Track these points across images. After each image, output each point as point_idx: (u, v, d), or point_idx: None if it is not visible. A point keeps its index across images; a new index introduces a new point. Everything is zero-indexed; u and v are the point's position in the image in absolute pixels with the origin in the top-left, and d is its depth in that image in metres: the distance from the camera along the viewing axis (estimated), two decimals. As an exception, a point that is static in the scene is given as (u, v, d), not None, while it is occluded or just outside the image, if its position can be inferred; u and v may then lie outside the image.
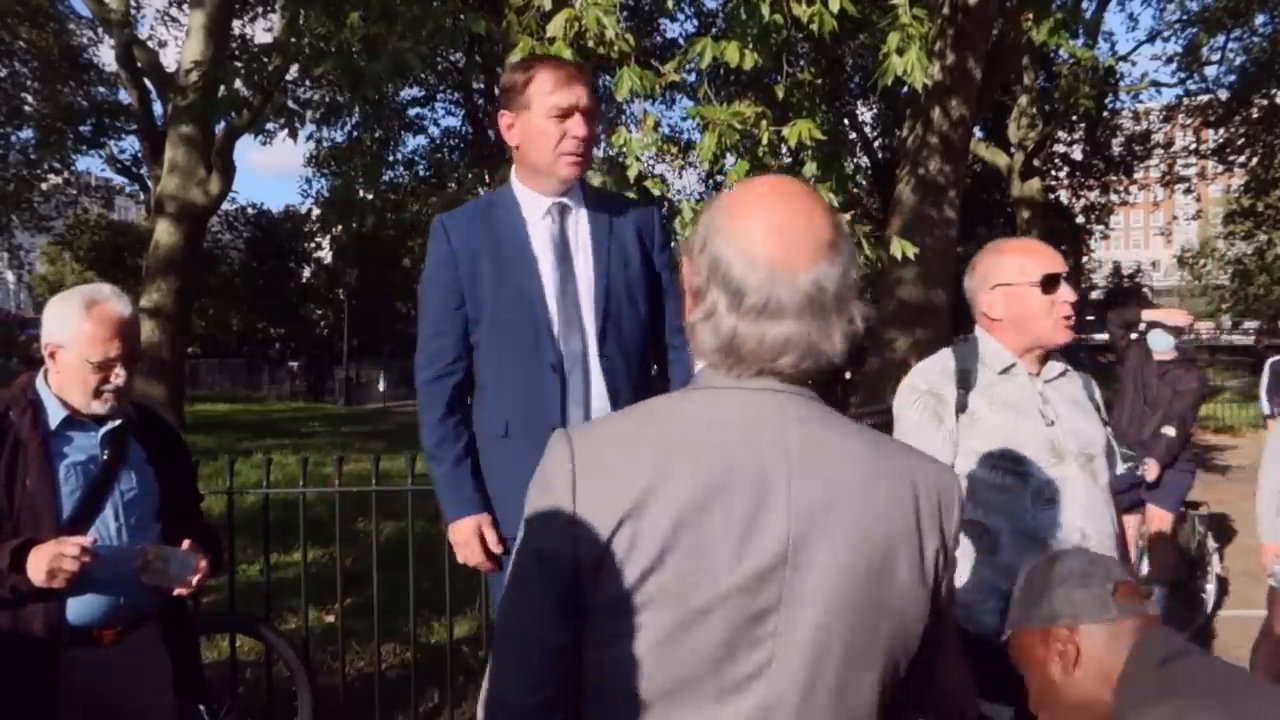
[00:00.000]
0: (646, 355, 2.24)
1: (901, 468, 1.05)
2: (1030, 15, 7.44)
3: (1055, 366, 2.15)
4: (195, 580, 2.12)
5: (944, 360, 2.16)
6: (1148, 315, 5.49)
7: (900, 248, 5.50)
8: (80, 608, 2.04)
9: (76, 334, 2.07)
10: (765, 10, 4.67)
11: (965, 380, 2.09)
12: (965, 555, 2.07)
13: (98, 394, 2.09)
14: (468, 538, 2.11)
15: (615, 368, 2.12)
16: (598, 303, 2.11)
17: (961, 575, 2.08)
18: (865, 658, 1.01)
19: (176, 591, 2.14)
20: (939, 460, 1.14)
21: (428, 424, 2.16)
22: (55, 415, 2.09)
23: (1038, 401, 2.07)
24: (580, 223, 2.16)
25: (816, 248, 1.00)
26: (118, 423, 2.15)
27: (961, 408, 2.08)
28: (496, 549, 2.12)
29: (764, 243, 1.00)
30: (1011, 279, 2.09)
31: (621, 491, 0.99)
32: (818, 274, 0.99)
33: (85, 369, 2.07)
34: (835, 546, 0.99)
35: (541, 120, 2.05)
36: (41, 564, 1.90)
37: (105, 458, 2.12)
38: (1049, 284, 2.04)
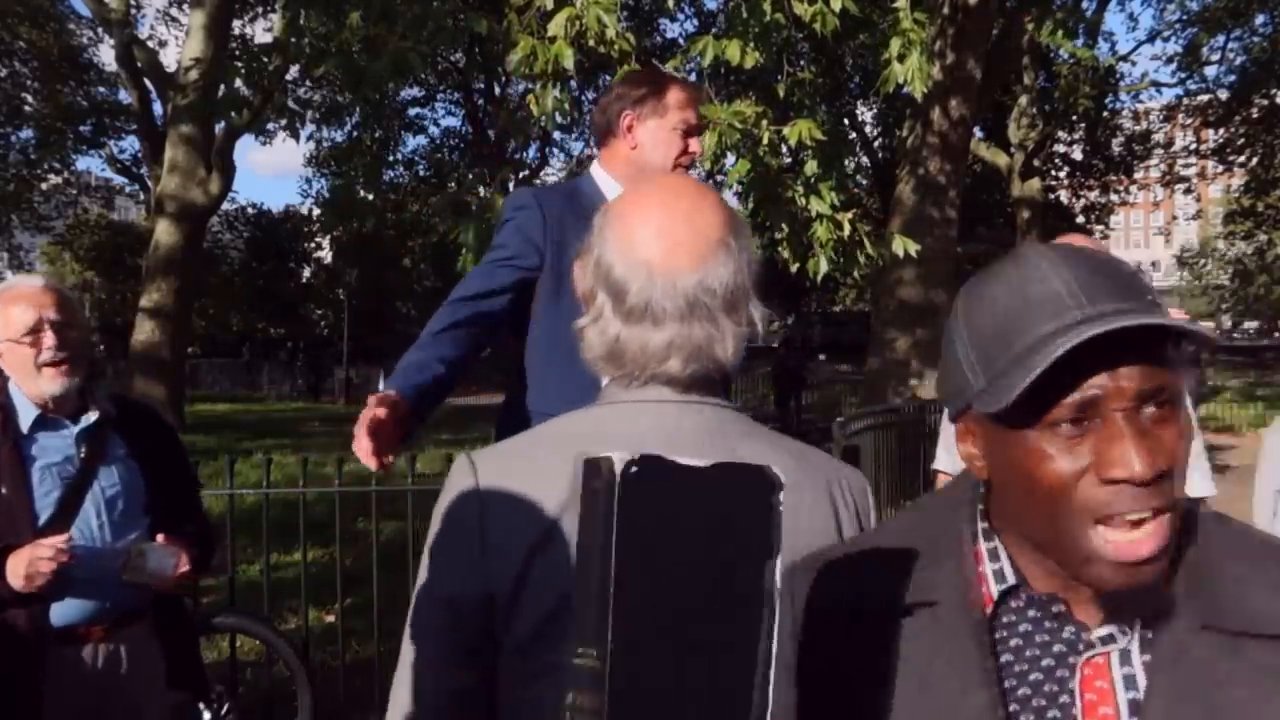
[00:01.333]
0: None
1: (820, 477, 1.04)
2: (1032, 15, 7.46)
3: None
4: (177, 576, 2.10)
5: None
6: None
7: (902, 245, 5.50)
8: (66, 607, 2.03)
9: (1, 323, 2.08)
10: (767, 9, 4.68)
11: None
12: None
13: (40, 371, 2.06)
14: (369, 406, 1.82)
15: None
16: None
17: None
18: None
19: (179, 583, 2.13)
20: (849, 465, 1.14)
21: (421, 337, 1.99)
22: (27, 417, 2.07)
23: None
24: None
25: (701, 249, 0.96)
26: (93, 419, 2.13)
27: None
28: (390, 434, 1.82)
29: (645, 246, 0.97)
30: None
31: (530, 521, 0.94)
32: (702, 276, 0.96)
33: (17, 351, 2.06)
34: None
35: (668, 131, 2.20)
36: (19, 568, 1.89)
37: (83, 455, 2.09)
38: None
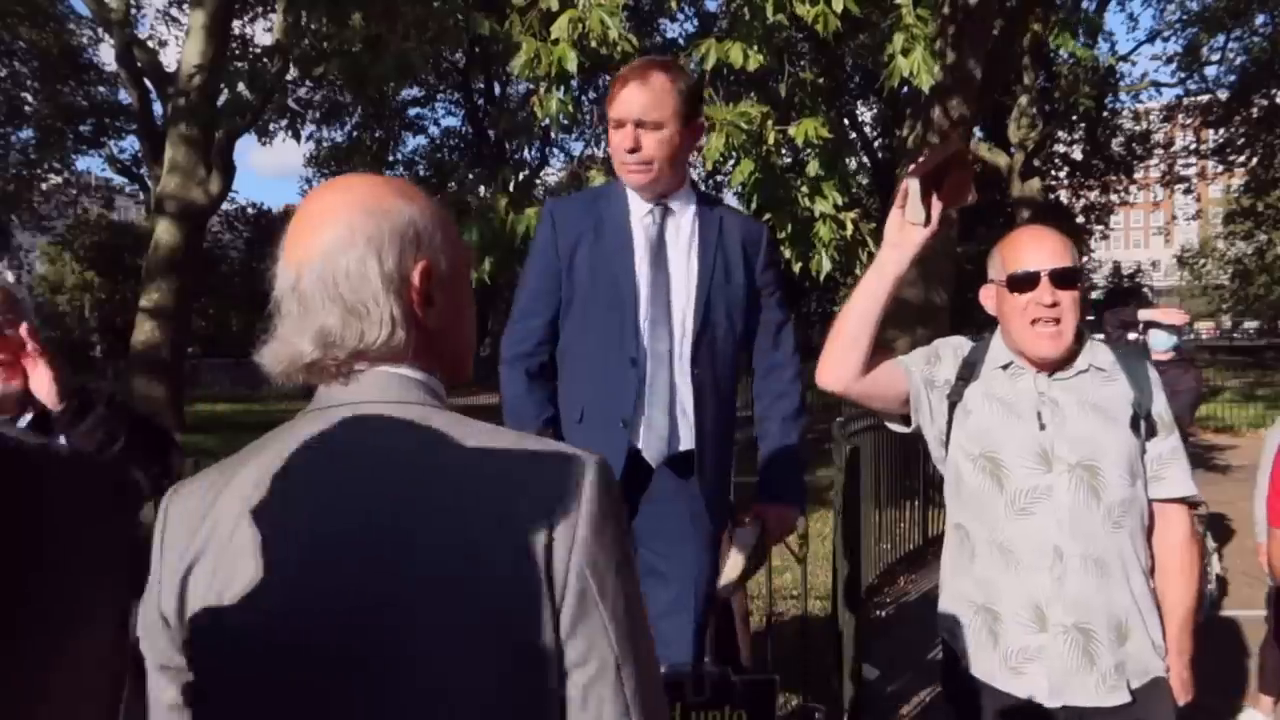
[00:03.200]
0: (735, 369, 2.23)
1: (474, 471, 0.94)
2: (1038, 16, 7.49)
3: (1080, 363, 1.92)
4: None
5: (960, 344, 2.06)
6: (1144, 315, 5.50)
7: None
8: None
9: None
10: (769, 10, 4.68)
11: (970, 372, 1.98)
12: (949, 561, 2.03)
13: None
14: None
15: (704, 378, 2.11)
16: (697, 309, 2.11)
17: (944, 583, 2.04)
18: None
19: None
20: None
21: (508, 400, 2.15)
22: None
23: (1036, 402, 1.89)
24: (682, 228, 2.16)
25: (308, 240, 0.96)
26: (29, 417, 2.02)
27: (954, 402, 1.98)
28: None
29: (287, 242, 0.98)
30: (993, 275, 1.98)
31: (184, 546, 0.93)
32: (323, 263, 0.94)
33: None
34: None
35: (612, 132, 2.11)
36: None
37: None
38: (1018, 284, 1.88)
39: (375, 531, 0.88)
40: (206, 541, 0.92)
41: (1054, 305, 1.85)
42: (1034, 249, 1.90)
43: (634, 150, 2.05)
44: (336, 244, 0.94)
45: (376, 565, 0.87)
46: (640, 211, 2.15)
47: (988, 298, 2.00)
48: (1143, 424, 1.90)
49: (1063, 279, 1.86)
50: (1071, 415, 1.87)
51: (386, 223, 0.95)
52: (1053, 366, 1.92)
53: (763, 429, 2.26)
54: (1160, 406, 1.93)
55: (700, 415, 2.10)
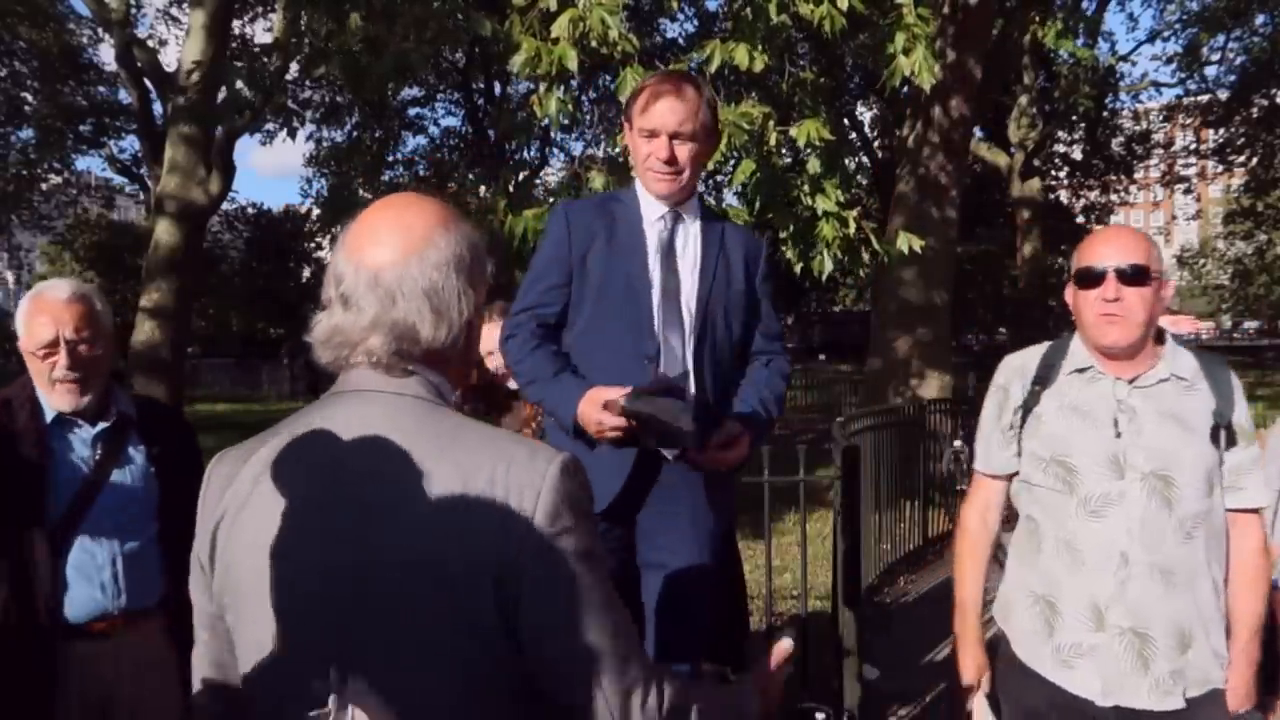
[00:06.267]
0: (734, 371, 2.29)
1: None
2: (1036, 16, 7.49)
3: (1160, 371, 1.91)
4: None
5: (1027, 356, 2.08)
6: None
7: (906, 241, 5.51)
8: (78, 602, 2.05)
9: (21, 326, 2.08)
10: (773, 11, 4.68)
11: (1044, 379, 2.00)
12: (1015, 547, 2.07)
13: (53, 386, 2.07)
14: (591, 412, 1.98)
15: (705, 375, 2.18)
16: (698, 310, 2.18)
17: (1009, 568, 2.08)
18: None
19: None
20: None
21: (516, 361, 2.19)
22: (48, 414, 2.09)
23: (1113, 409, 1.89)
24: (691, 235, 2.24)
25: (402, 243, 1.09)
26: (109, 422, 2.15)
27: (1028, 407, 2.00)
28: (619, 402, 1.94)
29: (354, 244, 1.11)
30: (1074, 275, 1.99)
31: (215, 504, 1.12)
32: (405, 266, 1.08)
33: (34, 362, 2.07)
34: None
35: (636, 138, 2.20)
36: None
37: (98, 457, 2.11)
38: (1085, 280, 1.91)
39: (349, 506, 1.03)
40: (230, 502, 1.10)
41: (1117, 300, 1.86)
42: (1103, 246, 1.92)
43: (670, 161, 2.14)
44: (432, 253, 1.09)
45: (347, 536, 1.01)
46: (653, 216, 2.23)
47: (1069, 295, 2.01)
48: (1223, 434, 1.88)
49: (1129, 276, 1.86)
50: (1149, 425, 1.87)
51: (465, 243, 1.12)
52: (1131, 371, 1.91)
53: (742, 394, 2.27)
54: (1241, 416, 1.92)
55: (703, 416, 2.11)
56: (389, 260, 1.07)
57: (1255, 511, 1.91)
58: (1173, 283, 1.98)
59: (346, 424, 1.07)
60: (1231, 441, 1.89)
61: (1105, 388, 1.92)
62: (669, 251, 2.20)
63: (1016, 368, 2.07)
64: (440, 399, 1.11)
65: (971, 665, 2.09)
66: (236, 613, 1.09)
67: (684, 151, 2.16)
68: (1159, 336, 1.95)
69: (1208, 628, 1.85)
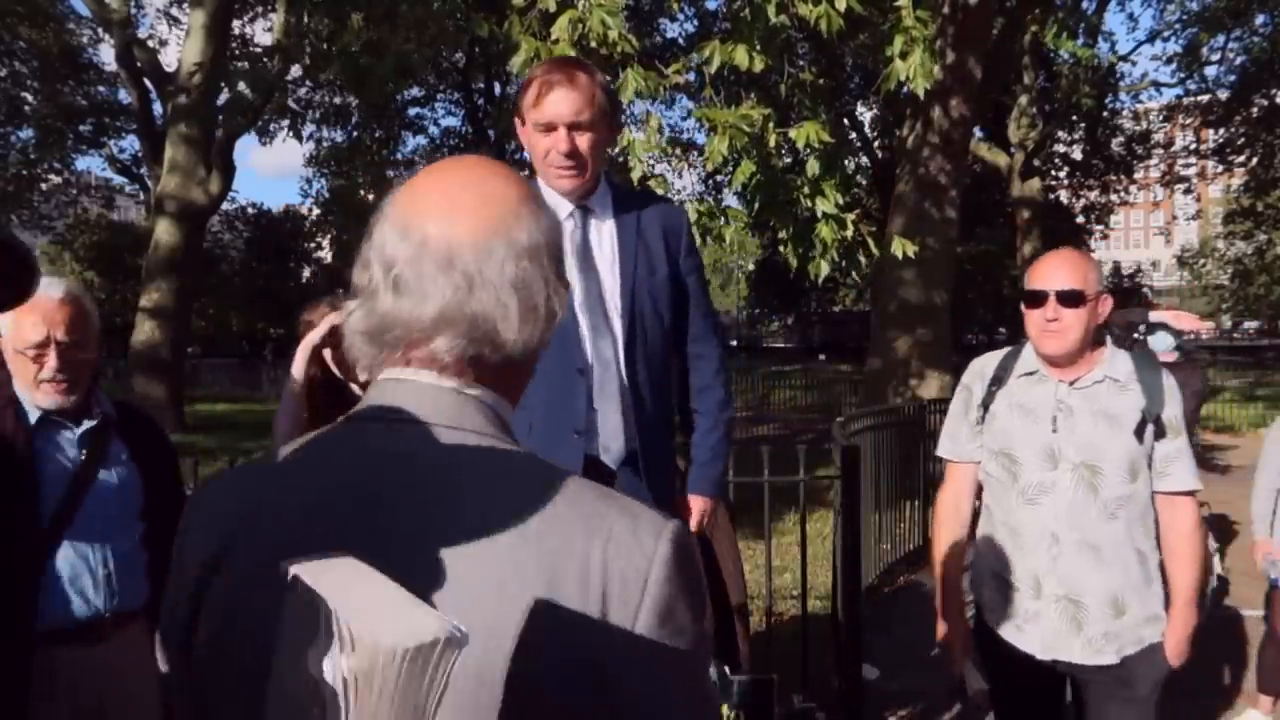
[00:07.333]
0: (669, 361, 2.22)
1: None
2: (1035, 16, 7.49)
3: (1096, 374, 2.16)
4: None
5: (987, 360, 2.36)
6: (1155, 316, 5.50)
7: (900, 247, 5.51)
8: (60, 608, 2.02)
9: (9, 323, 2.03)
10: (771, 12, 4.68)
11: (1000, 380, 2.28)
12: (979, 532, 2.36)
13: (38, 386, 2.04)
14: None
15: (641, 377, 2.11)
16: (624, 309, 2.10)
17: (977, 550, 2.35)
18: None
19: None
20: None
21: None
22: (32, 415, 2.06)
23: (1054, 407, 2.17)
24: (605, 226, 2.15)
25: (483, 220, 0.82)
26: (95, 422, 2.13)
27: (986, 405, 2.28)
28: None
29: (415, 213, 0.83)
30: (1024, 295, 2.26)
31: (204, 541, 0.83)
32: (484, 248, 0.82)
33: (20, 361, 2.03)
34: None
35: (530, 133, 2.06)
36: None
37: (84, 457, 2.10)
38: (1031, 300, 2.18)
39: (358, 520, 0.77)
40: (225, 551, 0.83)
41: (1055, 320, 2.13)
42: (1047, 270, 2.17)
43: (572, 154, 2.02)
44: (522, 235, 0.83)
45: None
46: (560, 216, 2.10)
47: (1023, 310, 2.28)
48: (1150, 428, 2.13)
49: (1067, 298, 2.13)
50: (1083, 421, 2.15)
51: (555, 229, 0.87)
52: (1071, 375, 2.18)
53: (695, 420, 2.28)
54: (1170, 412, 2.15)
55: (640, 415, 2.09)
56: (469, 237, 0.81)
57: (1188, 495, 2.15)
58: (1109, 298, 2.20)
59: (397, 473, 0.78)
60: (1160, 434, 2.14)
61: (1049, 389, 2.20)
62: (584, 253, 2.10)
63: (978, 370, 2.36)
64: (505, 432, 0.84)
65: (954, 635, 2.40)
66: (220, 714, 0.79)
67: (584, 142, 2.02)
68: (1099, 341, 2.22)
69: (1141, 594, 2.12)
